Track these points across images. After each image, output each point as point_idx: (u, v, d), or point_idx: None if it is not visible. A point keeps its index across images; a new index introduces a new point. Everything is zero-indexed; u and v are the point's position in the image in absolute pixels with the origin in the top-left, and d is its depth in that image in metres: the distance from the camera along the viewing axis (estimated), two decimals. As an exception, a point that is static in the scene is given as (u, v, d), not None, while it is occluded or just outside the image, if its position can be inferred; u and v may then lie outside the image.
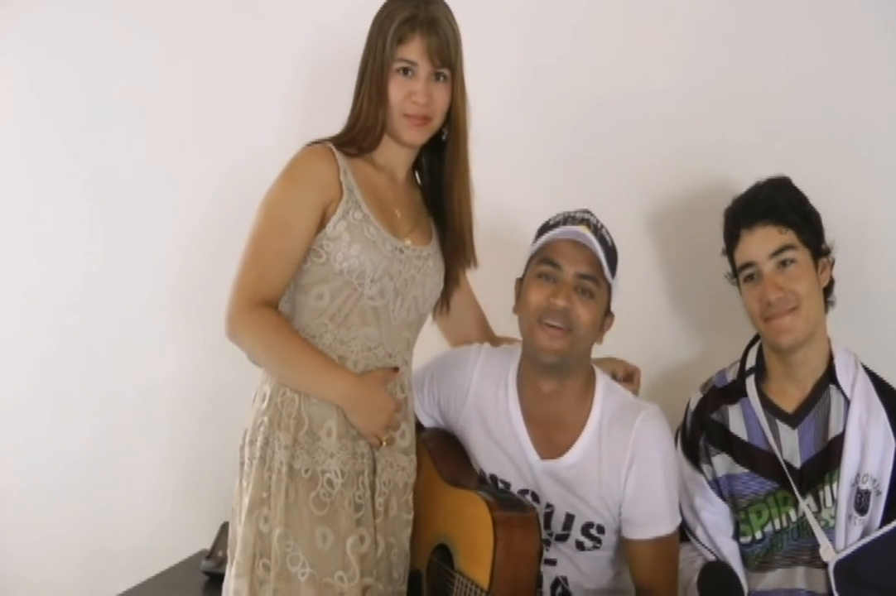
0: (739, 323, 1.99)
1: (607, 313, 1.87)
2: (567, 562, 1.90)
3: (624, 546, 1.89)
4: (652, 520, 1.85)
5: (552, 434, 1.88)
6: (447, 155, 1.84)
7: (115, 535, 2.74)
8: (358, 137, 1.78)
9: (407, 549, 1.86)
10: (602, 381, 1.90)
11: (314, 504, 1.72)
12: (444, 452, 1.98)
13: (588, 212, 1.89)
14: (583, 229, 1.81)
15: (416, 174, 1.91)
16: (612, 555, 1.93)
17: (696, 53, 2.22)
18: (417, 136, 1.78)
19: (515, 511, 1.81)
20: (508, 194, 2.27)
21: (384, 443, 1.77)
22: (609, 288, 1.84)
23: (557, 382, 1.86)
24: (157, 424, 2.70)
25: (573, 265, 1.81)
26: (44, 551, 2.79)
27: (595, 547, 1.90)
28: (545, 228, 1.87)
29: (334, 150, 1.76)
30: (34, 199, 2.80)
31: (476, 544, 1.78)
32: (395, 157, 1.83)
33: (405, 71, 1.74)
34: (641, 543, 1.85)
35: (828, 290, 1.94)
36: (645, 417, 1.84)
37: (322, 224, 1.73)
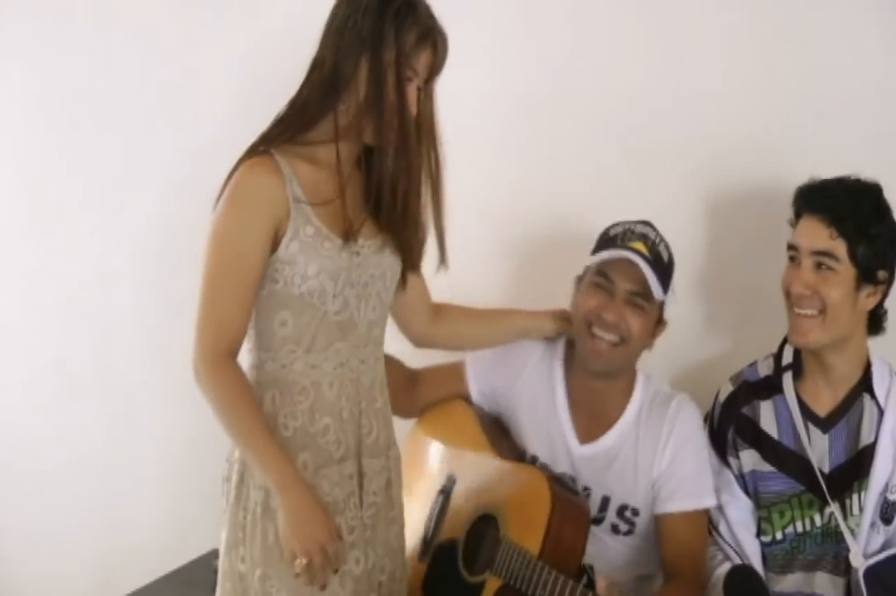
0: (768, 318, 1.96)
1: (659, 322, 1.96)
2: (596, 550, 1.89)
3: (655, 525, 1.94)
4: (681, 493, 1.91)
5: (594, 420, 1.98)
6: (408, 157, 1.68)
7: (127, 533, 2.78)
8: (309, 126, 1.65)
9: (395, 545, 1.80)
10: (642, 375, 2.01)
11: None
12: (496, 428, 2.05)
13: (648, 224, 1.95)
14: (639, 247, 1.89)
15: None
16: (642, 543, 1.96)
17: (743, 51, 2.14)
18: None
19: (569, 490, 1.90)
20: (553, 192, 2.27)
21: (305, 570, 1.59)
22: (661, 303, 1.93)
23: (604, 381, 1.98)
24: (168, 421, 2.71)
25: (625, 282, 1.90)
26: (56, 550, 2.84)
27: (629, 531, 1.95)
28: (604, 240, 1.94)
29: (277, 156, 1.63)
30: (42, 196, 2.83)
31: (528, 515, 1.81)
32: (346, 155, 1.68)
33: (408, 80, 1.63)
34: (669, 516, 1.91)
35: (874, 313, 1.87)
36: (679, 401, 1.97)
37: (274, 245, 1.63)
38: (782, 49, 2.10)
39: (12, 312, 2.88)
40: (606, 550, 1.94)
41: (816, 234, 1.81)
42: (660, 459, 1.92)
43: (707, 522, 1.94)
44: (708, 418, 2.00)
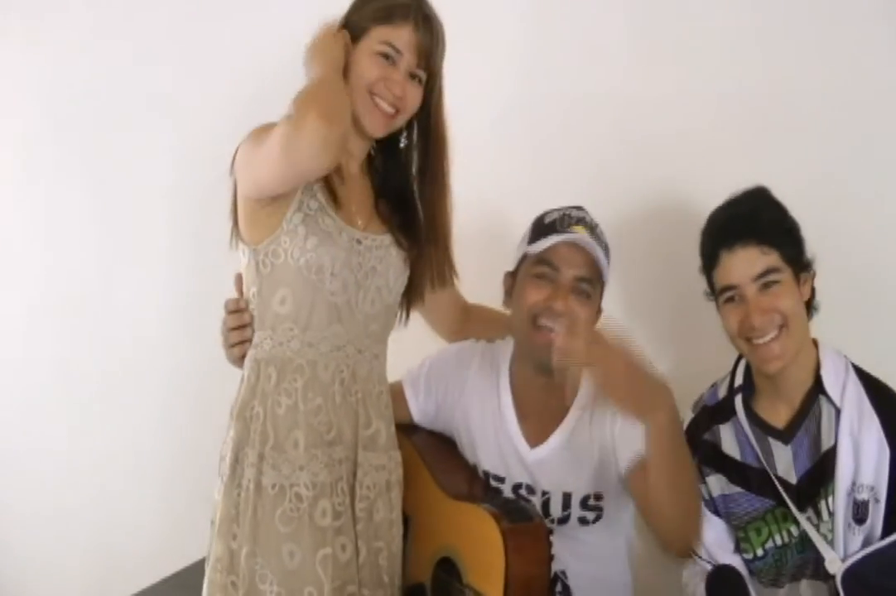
0: (711, 335, 1.96)
1: (598, 310, 1.92)
2: (566, 552, 1.87)
3: (629, 485, 1.86)
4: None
5: (542, 419, 1.93)
6: (426, 172, 1.80)
7: (126, 537, 2.78)
8: None
9: (396, 550, 1.83)
10: None
11: (280, 521, 1.69)
12: (438, 458, 1.99)
13: (582, 209, 1.91)
14: (580, 231, 1.84)
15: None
16: (615, 525, 1.93)
17: (709, 57, 2.17)
18: (380, 128, 1.73)
19: (522, 521, 1.80)
20: (498, 194, 2.28)
21: None
22: (603, 287, 1.90)
23: (551, 376, 1.85)
24: (169, 424, 2.74)
25: (571, 268, 1.85)
26: (55, 554, 2.85)
27: (598, 518, 1.91)
28: (541, 227, 1.89)
29: None
30: (44, 199, 2.85)
31: (485, 559, 1.77)
32: (350, 147, 1.75)
33: (385, 56, 1.68)
34: (637, 468, 1.82)
35: (809, 301, 1.88)
36: None
37: (279, 219, 1.69)
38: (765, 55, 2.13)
39: (15, 315, 2.93)
40: (580, 546, 1.91)
41: (751, 261, 1.79)
42: (612, 428, 1.87)
43: None
44: None
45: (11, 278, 2.93)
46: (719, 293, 1.85)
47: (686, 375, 2.01)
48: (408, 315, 1.89)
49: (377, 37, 1.68)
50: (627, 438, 1.84)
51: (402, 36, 1.68)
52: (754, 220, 1.81)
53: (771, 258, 1.79)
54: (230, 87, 2.63)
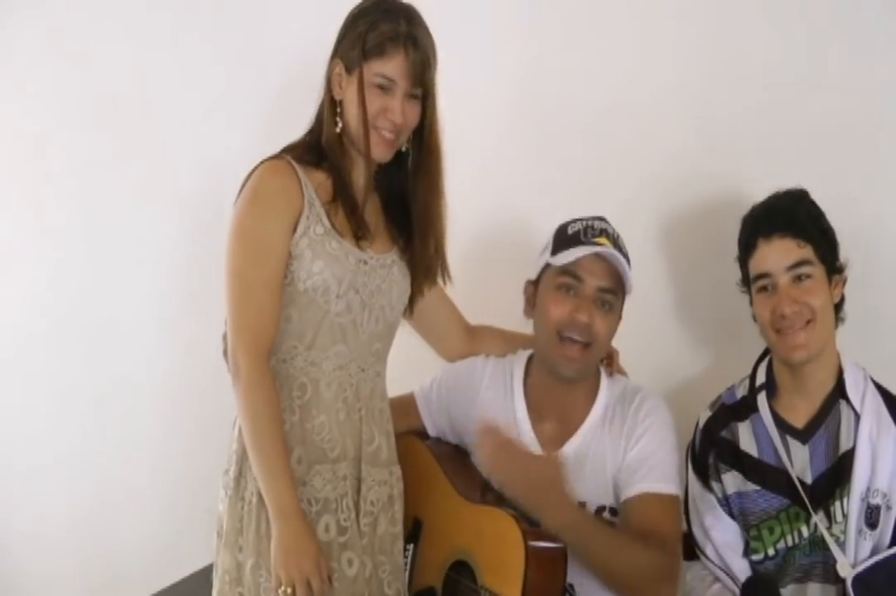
0: (748, 334, 1.98)
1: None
2: (576, 565, 1.85)
3: (621, 515, 1.87)
4: (643, 477, 1.86)
5: (558, 426, 1.95)
6: (418, 172, 1.82)
7: (126, 548, 2.76)
8: (321, 146, 1.77)
9: (400, 564, 1.84)
10: (605, 372, 1.99)
11: None
12: (454, 463, 1.99)
13: (603, 220, 1.94)
14: (604, 242, 1.88)
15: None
16: None
17: (708, 57, 2.19)
18: (386, 154, 1.77)
19: (539, 525, 1.79)
20: (513, 199, 2.29)
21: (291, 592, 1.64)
22: (625, 296, 1.93)
23: (572, 385, 1.95)
24: (170, 435, 2.72)
25: (595, 279, 1.88)
26: (52, 565, 2.82)
27: None
28: (564, 238, 1.91)
29: (293, 163, 1.74)
30: (42, 207, 2.83)
31: (503, 561, 1.76)
32: (356, 169, 1.80)
33: (381, 87, 1.72)
34: (633, 499, 1.85)
35: (838, 306, 1.92)
36: (644, 394, 1.95)
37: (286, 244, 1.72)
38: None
39: (12, 326, 2.87)
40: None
41: (786, 251, 1.85)
42: (624, 449, 1.89)
43: (678, 510, 1.91)
44: (690, 446, 2.01)
45: (8, 288, 2.88)
46: (753, 281, 1.90)
47: (725, 375, 2.05)
48: (412, 309, 1.90)
49: (371, 71, 1.71)
50: (633, 469, 1.87)
51: (394, 66, 1.71)
52: (793, 214, 1.87)
53: (805, 251, 1.85)
54: (254, 100, 2.58)
